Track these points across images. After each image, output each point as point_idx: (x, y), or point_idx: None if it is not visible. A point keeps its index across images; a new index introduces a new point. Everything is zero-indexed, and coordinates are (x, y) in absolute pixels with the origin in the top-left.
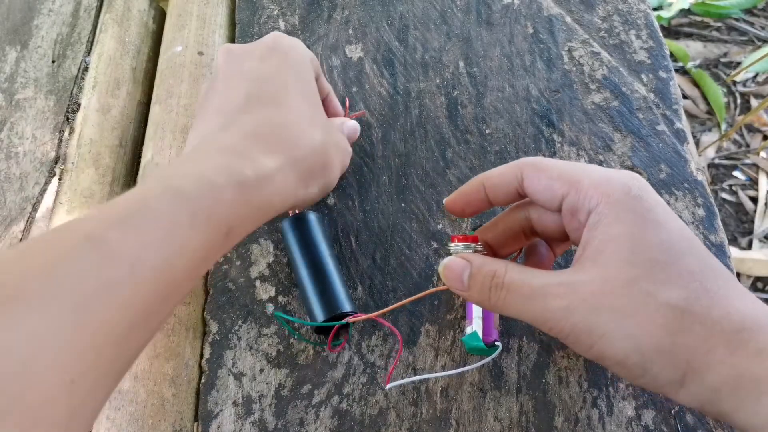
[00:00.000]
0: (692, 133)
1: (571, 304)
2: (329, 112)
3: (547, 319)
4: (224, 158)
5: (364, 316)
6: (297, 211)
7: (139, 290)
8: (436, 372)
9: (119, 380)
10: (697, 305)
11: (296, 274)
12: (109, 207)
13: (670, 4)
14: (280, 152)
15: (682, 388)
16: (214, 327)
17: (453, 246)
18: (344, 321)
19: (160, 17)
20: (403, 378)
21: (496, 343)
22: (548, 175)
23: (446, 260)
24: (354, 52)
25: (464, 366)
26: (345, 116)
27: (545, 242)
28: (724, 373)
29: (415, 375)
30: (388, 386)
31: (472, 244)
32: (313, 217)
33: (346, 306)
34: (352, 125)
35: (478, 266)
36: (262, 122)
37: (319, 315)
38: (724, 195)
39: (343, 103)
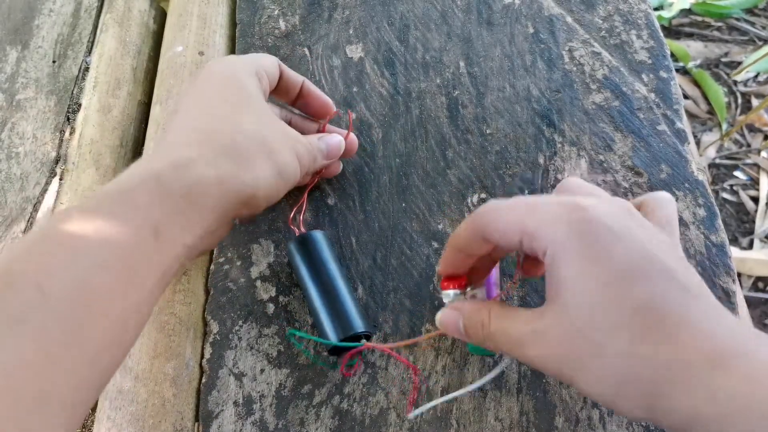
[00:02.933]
0: (693, 133)
1: (543, 354)
2: (313, 106)
3: (531, 364)
4: (141, 165)
5: (381, 347)
6: (303, 230)
7: (52, 316)
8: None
9: (77, 408)
10: (644, 346)
11: (306, 295)
12: (17, 241)
13: (671, 4)
14: (206, 142)
15: (654, 421)
16: (214, 327)
17: (444, 294)
18: (359, 344)
19: (161, 17)
20: (422, 404)
21: None
22: (498, 227)
23: (440, 315)
24: (354, 52)
25: (465, 367)
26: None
27: None
28: (690, 411)
29: (426, 391)
30: (410, 415)
31: (460, 291)
32: (319, 236)
33: (360, 326)
34: (333, 141)
35: (469, 318)
36: (186, 127)
37: (333, 336)
38: (725, 195)
39: (344, 123)
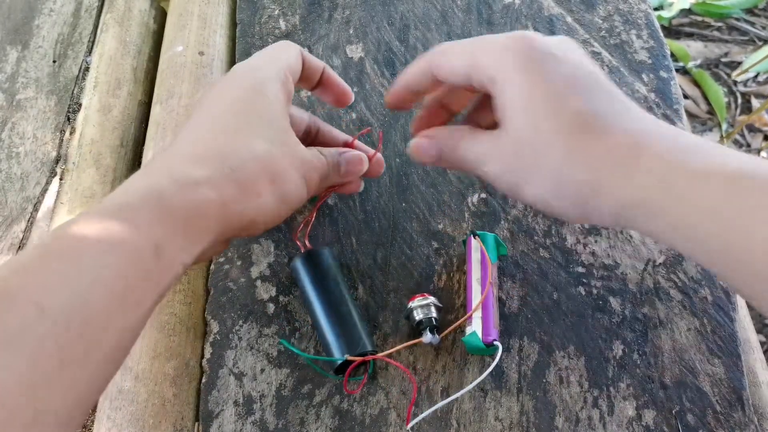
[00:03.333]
0: (693, 132)
1: (496, 168)
2: (333, 93)
3: (489, 180)
4: (144, 179)
5: (377, 356)
6: (309, 246)
7: (49, 333)
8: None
9: (73, 422)
10: (579, 147)
11: (312, 313)
12: (16, 256)
13: (671, 4)
14: (212, 161)
15: (589, 219)
16: (214, 327)
17: (412, 304)
18: (345, 358)
19: (161, 17)
20: (422, 411)
21: (495, 342)
22: (448, 63)
23: (413, 142)
24: (355, 51)
25: (465, 366)
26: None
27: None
28: (615, 202)
29: (425, 394)
30: (409, 425)
31: (431, 298)
32: (326, 252)
33: (367, 346)
34: (354, 159)
35: (444, 142)
36: (201, 137)
37: (338, 355)
38: None
39: (374, 142)
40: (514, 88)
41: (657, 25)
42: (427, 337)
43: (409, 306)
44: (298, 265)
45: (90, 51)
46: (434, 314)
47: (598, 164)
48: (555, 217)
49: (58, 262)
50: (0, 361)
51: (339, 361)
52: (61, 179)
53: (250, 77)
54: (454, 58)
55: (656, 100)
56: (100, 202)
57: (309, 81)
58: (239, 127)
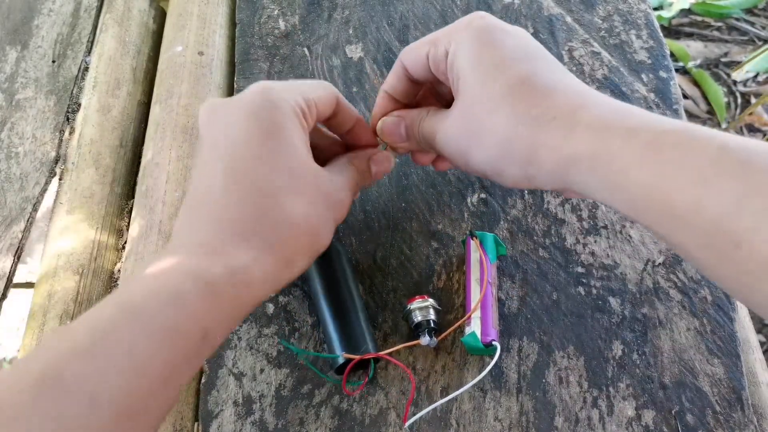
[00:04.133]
0: None
1: (445, 137)
2: (360, 141)
3: (440, 150)
4: (192, 259)
5: (373, 355)
6: None
7: (101, 422)
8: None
9: None
10: (521, 111)
11: (319, 310)
12: (65, 335)
13: (671, 4)
14: (256, 239)
15: (532, 180)
16: None
17: (411, 305)
18: (342, 355)
19: (161, 17)
20: (419, 411)
21: (494, 343)
22: (412, 53)
23: (381, 122)
24: (354, 52)
25: (464, 367)
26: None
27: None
28: (555, 158)
29: (423, 394)
30: (406, 424)
31: (430, 300)
32: (339, 249)
33: (370, 348)
34: (382, 158)
35: (410, 120)
36: (233, 207)
37: (340, 354)
38: None
39: None
40: (465, 54)
41: (656, 25)
42: (425, 339)
43: (408, 307)
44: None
45: (89, 51)
46: (433, 317)
47: (541, 122)
48: (500, 183)
49: (112, 350)
50: None
51: (338, 359)
52: (60, 179)
53: (274, 119)
54: (418, 46)
55: (656, 100)
56: (146, 274)
57: (339, 129)
58: (274, 191)
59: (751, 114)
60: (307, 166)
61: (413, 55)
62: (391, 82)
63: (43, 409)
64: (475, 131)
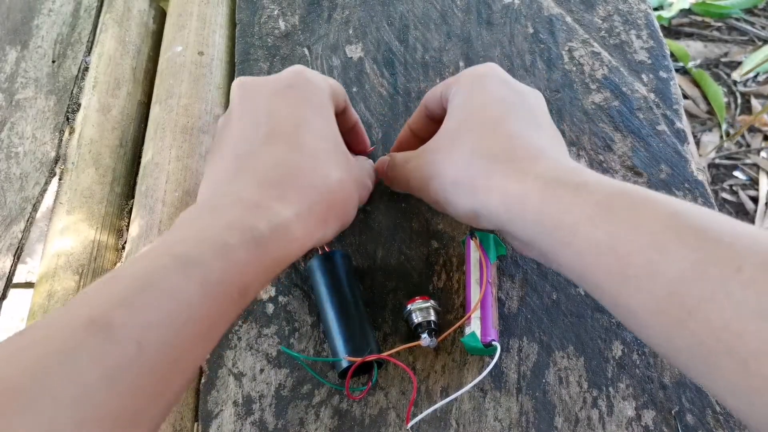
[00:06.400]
0: (693, 133)
1: (415, 164)
2: (356, 142)
3: (409, 179)
4: (236, 213)
5: (374, 357)
6: (327, 249)
7: (145, 371)
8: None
9: None
10: (485, 144)
11: (323, 315)
12: (113, 282)
13: (671, 4)
14: (296, 197)
15: (478, 216)
16: None
17: (411, 306)
18: (344, 359)
19: (161, 17)
20: (422, 411)
21: (494, 343)
22: (432, 94)
23: (380, 159)
24: (354, 52)
25: (464, 367)
26: (370, 149)
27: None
28: (502, 196)
29: (424, 393)
30: (408, 425)
31: (430, 301)
32: (342, 257)
33: (375, 352)
34: (379, 162)
35: (392, 158)
36: (275, 165)
37: (342, 358)
38: (725, 195)
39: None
40: (460, 95)
41: (656, 25)
42: (426, 340)
43: (408, 308)
44: (315, 266)
45: (89, 51)
46: (433, 317)
47: (499, 160)
48: (449, 213)
49: (158, 300)
50: (101, 396)
51: (341, 362)
52: (60, 179)
53: (313, 91)
54: (437, 86)
55: (656, 100)
56: (192, 226)
57: (341, 125)
58: (314, 153)
59: (755, 117)
60: (341, 142)
61: (431, 94)
62: (414, 118)
63: (92, 352)
64: (441, 160)
